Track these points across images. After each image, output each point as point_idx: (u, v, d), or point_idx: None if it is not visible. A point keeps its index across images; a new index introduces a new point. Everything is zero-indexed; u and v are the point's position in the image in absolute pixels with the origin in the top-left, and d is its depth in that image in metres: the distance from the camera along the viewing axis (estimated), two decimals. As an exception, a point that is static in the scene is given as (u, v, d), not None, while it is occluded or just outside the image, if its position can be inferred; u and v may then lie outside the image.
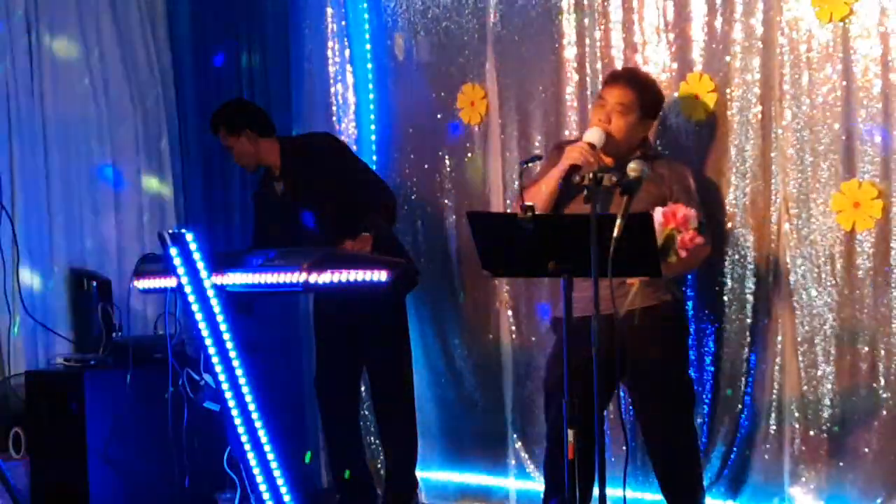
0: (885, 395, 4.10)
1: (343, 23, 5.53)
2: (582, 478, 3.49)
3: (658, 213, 3.72)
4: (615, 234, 3.24)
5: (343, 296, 4.67)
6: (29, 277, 5.33)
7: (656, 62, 4.56)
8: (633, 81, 4.20)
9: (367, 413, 5.35)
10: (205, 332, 3.92)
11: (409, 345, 5.03)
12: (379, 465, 5.32)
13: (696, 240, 3.74)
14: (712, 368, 4.48)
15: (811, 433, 4.26)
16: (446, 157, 5.24)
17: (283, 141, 5.10)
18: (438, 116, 5.26)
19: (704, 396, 4.50)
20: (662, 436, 4.17)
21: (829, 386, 4.21)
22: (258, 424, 3.96)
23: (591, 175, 3.44)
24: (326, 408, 5.13)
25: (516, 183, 4.88)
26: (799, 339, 4.26)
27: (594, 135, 4.09)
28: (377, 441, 5.32)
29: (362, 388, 5.29)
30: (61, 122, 5.60)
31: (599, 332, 3.32)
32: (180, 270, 3.92)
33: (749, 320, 4.39)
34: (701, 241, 3.79)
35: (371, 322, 4.89)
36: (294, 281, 3.80)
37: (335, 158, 4.99)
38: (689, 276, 4.48)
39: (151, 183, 5.93)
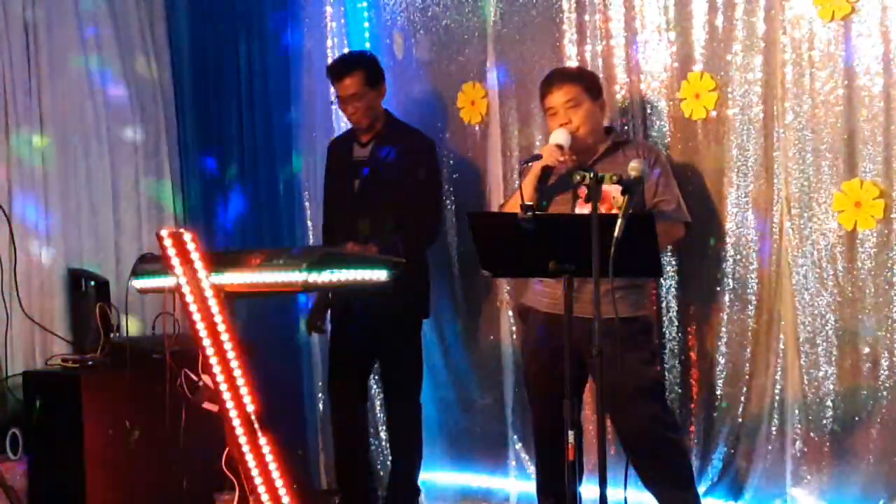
0: (886, 396, 4.09)
1: (342, 21, 5.52)
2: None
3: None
4: (616, 234, 3.23)
5: (364, 311, 4.76)
6: (26, 278, 5.30)
7: (657, 61, 4.55)
8: (564, 77, 4.27)
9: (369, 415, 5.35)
10: (204, 333, 3.90)
11: (421, 363, 5.00)
12: (379, 466, 5.31)
13: None
14: (713, 369, 4.46)
15: (813, 434, 4.24)
16: (446, 156, 5.22)
17: (391, 116, 5.01)
18: (438, 115, 5.24)
19: (705, 397, 4.49)
20: (629, 428, 4.08)
21: (831, 386, 4.19)
22: (258, 425, 3.94)
23: (591, 175, 3.43)
24: (336, 410, 5.11)
25: (517, 183, 4.87)
26: (801, 339, 4.24)
27: (559, 135, 4.12)
28: (377, 442, 5.30)
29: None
30: (60, 122, 5.58)
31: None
32: (179, 270, 3.90)
33: (750, 320, 4.37)
34: None
35: (389, 338, 4.88)
36: (294, 281, 3.79)
37: (419, 167, 4.86)
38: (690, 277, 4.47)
39: (150, 183, 5.92)
